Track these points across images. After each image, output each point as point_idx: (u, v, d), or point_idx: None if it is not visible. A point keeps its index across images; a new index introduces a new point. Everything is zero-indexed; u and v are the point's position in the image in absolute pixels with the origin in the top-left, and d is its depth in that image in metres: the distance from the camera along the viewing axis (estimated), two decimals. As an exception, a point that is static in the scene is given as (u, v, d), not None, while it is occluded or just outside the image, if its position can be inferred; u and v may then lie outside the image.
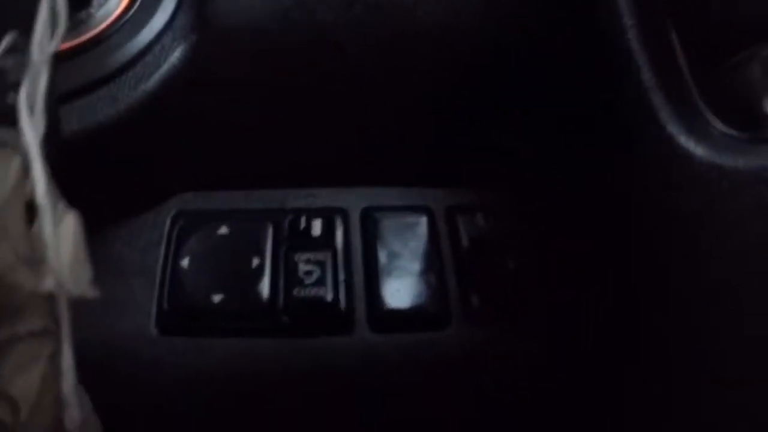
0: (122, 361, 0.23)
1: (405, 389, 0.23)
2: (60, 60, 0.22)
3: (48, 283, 0.16)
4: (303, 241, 0.23)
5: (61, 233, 0.18)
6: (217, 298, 0.23)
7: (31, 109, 0.16)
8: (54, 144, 0.17)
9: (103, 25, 0.22)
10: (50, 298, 0.16)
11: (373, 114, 0.24)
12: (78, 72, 0.22)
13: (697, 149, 0.19)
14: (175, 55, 0.22)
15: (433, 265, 0.24)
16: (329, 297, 0.23)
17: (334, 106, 0.24)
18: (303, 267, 0.23)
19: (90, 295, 0.19)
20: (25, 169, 0.16)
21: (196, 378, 0.22)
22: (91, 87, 0.22)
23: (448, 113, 0.24)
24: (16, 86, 0.16)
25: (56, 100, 0.18)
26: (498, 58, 0.23)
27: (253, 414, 0.23)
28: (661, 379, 0.22)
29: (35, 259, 0.16)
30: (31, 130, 0.16)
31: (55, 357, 0.16)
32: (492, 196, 0.25)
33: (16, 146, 0.16)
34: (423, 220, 0.24)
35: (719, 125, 0.19)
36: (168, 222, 0.24)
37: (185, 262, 0.23)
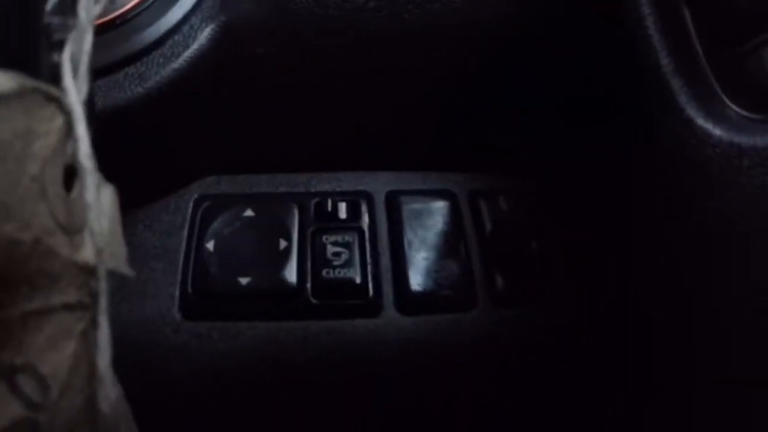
0: (145, 346, 0.22)
1: (433, 371, 0.23)
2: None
3: (87, 252, 0.16)
4: (330, 223, 0.23)
5: (100, 206, 0.18)
6: (244, 280, 0.22)
7: (75, 70, 0.16)
8: (91, 123, 0.17)
9: (132, 3, 0.22)
10: (86, 270, 0.16)
11: (399, 99, 0.24)
12: (105, 50, 0.21)
13: (716, 130, 0.20)
14: (204, 35, 0.22)
15: (457, 247, 0.24)
16: (358, 279, 0.23)
17: (361, 91, 0.24)
18: (331, 249, 0.23)
19: (126, 273, 0.19)
20: (68, 130, 0.15)
21: (221, 363, 0.22)
22: (119, 65, 0.21)
23: (472, 98, 0.24)
24: (60, 45, 0.16)
25: (94, 83, 0.17)
26: (521, 46, 0.24)
27: (280, 399, 0.22)
28: (688, 357, 0.22)
29: (73, 227, 0.15)
30: (75, 90, 0.16)
31: (88, 334, 0.15)
32: (514, 180, 0.25)
33: (60, 105, 0.15)
34: (447, 204, 0.24)
35: (736, 108, 0.20)
36: (191, 205, 0.24)
37: (210, 245, 0.23)
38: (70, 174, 0.16)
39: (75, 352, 0.15)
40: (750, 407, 0.19)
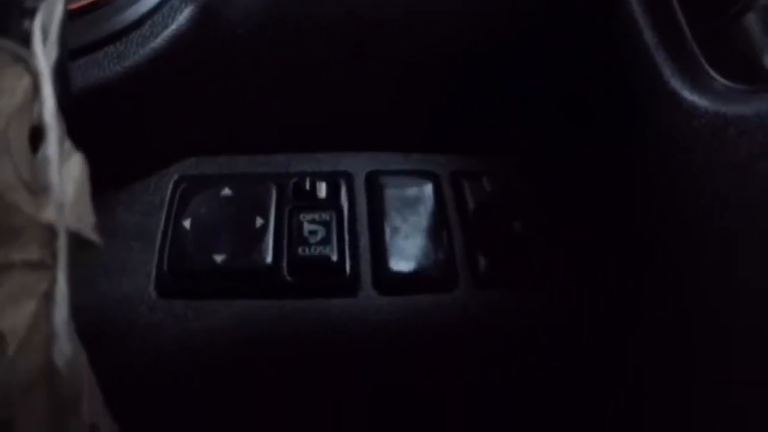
0: (121, 324, 0.22)
1: (411, 351, 0.22)
2: (71, 18, 0.22)
3: (51, 212, 0.16)
4: (308, 202, 0.23)
5: (67, 170, 0.18)
6: (219, 258, 0.22)
7: (45, 36, 0.16)
8: (64, 97, 0.17)
9: (113, -16, 0.22)
10: (49, 230, 0.16)
11: (379, 79, 0.24)
12: (86, 30, 0.22)
13: (702, 101, 0.19)
14: (183, 15, 0.22)
15: (439, 228, 0.23)
16: (335, 257, 0.22)
17: (341, 71, 0.24)
18: (308, 227, 0.23)
19: (93, 239, 0.19)
20: (35, 92, 0.15)
21: (196, 341, 0.22)
22: (99, 44, 0.22)
23: (454, 80, 0.24)
24: (32, 13, 0.16)
25: (67, 55, 0.18)
26: (505, 27, 0.24)
27: (255, 377, 0.22)
28: (672, 341, 0.21)
29: (37, 187, 0.15)
30: (43, 54, 0.16)
31: (49, 295, 0.15)
32: (497, 161, 0.25)
33: (28, 66, 0.16)
34: (428, 184, 0.24)
35: (721, 79, 0.20)
36: (170, 186, 0.24)
37: (187, 223, 0.23)
38: (37, 136, 0.16)
39: (35, 311, 0.15)
40: (745, 393, 0.18)
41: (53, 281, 0.16)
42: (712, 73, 0.20)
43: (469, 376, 0.22)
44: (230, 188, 0.23)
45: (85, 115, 0.22)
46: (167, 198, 0.23)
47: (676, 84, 0.20)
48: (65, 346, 0.16)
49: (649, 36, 0.21)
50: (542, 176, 0.25)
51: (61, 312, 0.16)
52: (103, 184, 0.24)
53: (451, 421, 0.22)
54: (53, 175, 0.16)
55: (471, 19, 0.24)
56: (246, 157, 0.25)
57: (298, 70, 0.24)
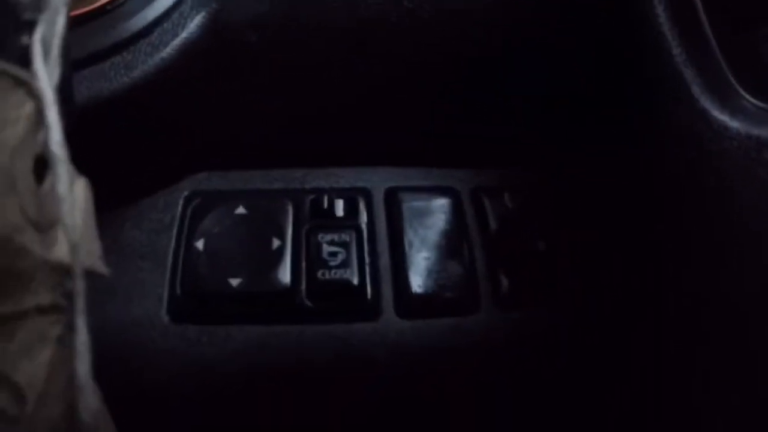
0: (130, 350, 0.21)
1: (433, 377, 0.21)
2: (75, 25, 0.21)
3: (61, 250, 0.15)
4: (326, 221, 0.22)
5: (72, 200, 0.17)
6: (234, 281, 0.21)
7: (47, 53, 0.15)
8: (66, 114, 0.16)
9: (118, -10, 0.21)
10: (59, 270, 0.14)
11: (398, 92, 0.23)
12: (92, 38, 0.20)
13: (732, 122, 0.19)
14: (194, 23, 0.21)
15: (460, 247, 0.23)
16: (355, 280, 0.21)
17: (359, 83, 0.23)
18: (327, 248, 0.22)
19: (102, 271, 0.18)
20: (38, 117, 0.14)
21: (210, 368, 0.21)
22: (105, 54, 0.20)
23: (477, 90, 0.23)
24: (31, 26, 0.15)
25: (70, 67, 0.16)
26: (526, 35, 0.23)
27: (273, 405, 0.21)
28: (699, 360, 0.21)
29: (45, 223, 0.14)
30: (46, 73, 0.14)
31: (64, 338, 0.14)
32: (519, 176, 0.24)
33: (30, 90, 0.14)
34: (449, 201, 0.23)
35: (752, 99, 0.19)
36: (181, 202, 0.23)
37: (200, 244, 0.22)
38: (41, 165, 0.15)
39: (51, 359, 0.14)
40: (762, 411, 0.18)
41: (67, 325, 0.15)
42: (743, 92, 0.19)
43: (492, 401, 0.22)
44: (244, 206, 0.22)
45: (92, 129, 0.20)
46: (178, 215, 0.22)
47: (706, 102, 0.20)
48: (92, 399, 0.15)
49: (677, 52, 0.21)
50: (565, 193, 0.24)
51: (83, 362, 0.15)
52: (110, 201, 0.23)
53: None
54: (66, 214, 0.15)
55: (494, 30, 0.23)
56: (260, 172, 0.24)
57: (312, 80, 0.22)
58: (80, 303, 0.15)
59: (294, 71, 0.22)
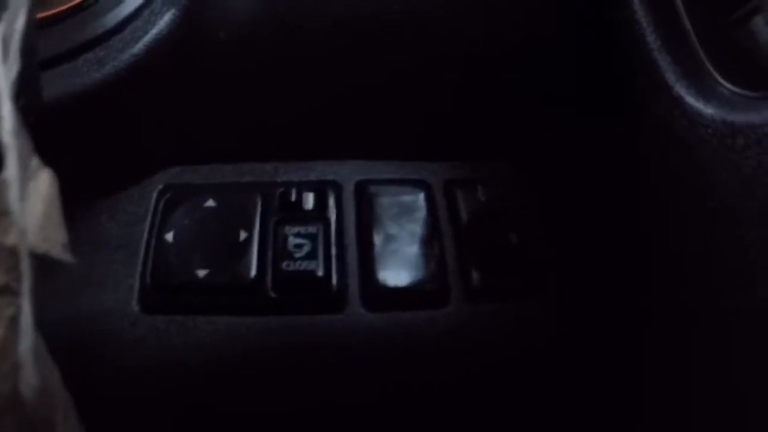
0: (102, 339, 0.21)
1: (400, 370, 0.21)
2: (47, 25, 0.22)
3: (14, 235, 0.15)
4: (294, 213, 0.22)
5: (34, 188, 0.17)
6: (201, 273, 0.21)
7: (6, 49, 0.16)
8: (31, 111, 0.16)
9: (91, -12, 0.22)
10: (14, 254, 0.15)
11: (369, 85, 0.23)
12: (64, 37, 0.21)
13: (707, 108, 0.18)
14: (165, 20, 0.21)
15: (431, 240, 0.22)
16: (320, 272, 0.21)
17: (328, 76, 0.23)
18: (293, 240, 0.22)
19: (64, 259, 0.18)
20: (-5, 112, 0.15)
21: (178, 358, 0.21)
22: (77, 51, 0.21)
23: (447, 85, 0.23)
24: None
25: (35, 64, 0.17)
26: (501, 31, 0.23)
27: (238, 395, 0.21)
28: (674, 350, 0.20)
29: (1, 210, 0.15)
30: (3, 69, 0.15)
31: (16, 319, 0.15)
32: (492, 169, 0.24)
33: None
34: (420, 194, 0.23)
35: (727, 84, 0.18)
36: (154, 195, 0.23)
37: (170, 236, 0.22)
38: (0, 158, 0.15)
39: (3, 337, 0.14)
40: (747, 397, 0.17)
41: (19, 306, 0.15)
42: (718, 78, 0.19)
43: (462, 394, 0.21)
44: (214, 199, 0.22)
45: (65, 124, 0.21)
46: (151, 208, 0.23)
47: (681, 90, 0.19)
48: (32, 376, 0.15)
49: (652, 38, 0.20)
50: (538, 184, 0.23)
51: (25, 340, 0.15)
52: (86, 194, 0.24)
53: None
54: (13, 199, 0.16)
55: (468, 22, 0.23)
56: (232, 166, 0.24)
57: (282, 75, 0.23)
58: (26, 285, 0.15)
59: (263, 67, 0.23)
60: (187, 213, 0.22)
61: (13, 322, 0.15)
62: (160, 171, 0.24)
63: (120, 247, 0.22)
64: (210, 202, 0.22)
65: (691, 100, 0.19)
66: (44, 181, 0.18)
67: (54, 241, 0.18)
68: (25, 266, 0.15)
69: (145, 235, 0.22)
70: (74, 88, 0.21)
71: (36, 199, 0.17)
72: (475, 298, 0.22)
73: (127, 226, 0.23)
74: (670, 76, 0.19)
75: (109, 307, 0.22)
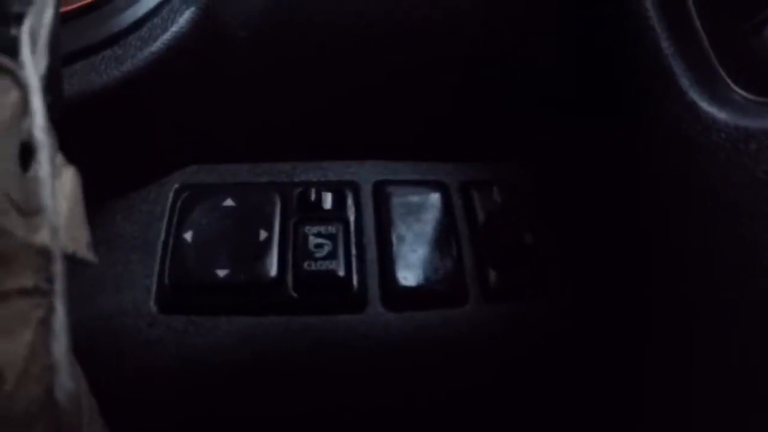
0: (119, 340, 0.21)
1: (420, 369, 0.21)
2: (67, 20, 0.21)
3: (45, 235, 0.15)
4: (313, 213, 0.22)
5: (59, 187, 0.17)
6: (221, 273, 0.21)
7: (34, 44, 0.15)
8: (56, 108, 0.16)
9: (110, -15, 0.21)
10: (43, 254, 0.15)
11: (387, 87, 0.23)
12: (83, 33, 0.21)
13: (721, 114, 0.19)
14: (184, 18, 0.21)
15: (448, 240, 0.23)
16: (341, 272, 0.21)
17: (347, 77, 0.23)
18: (313, 240, 0.22)
19: (89, 259, 0.18)
20: (24, 106, 0.15)
21: (196, 358, 0.21)
22: (96, 48, 0.21)
23: (463, 88, 0.23)
24: (19, 19, 0.15)
25: (59, 59, 0.17)
26: (512, 33, 0.23)
27: (258, 396, 0.21)
28: (689, 352, 0.21)
29: (29, 208, 0.15)
30: (32, 63, 0.15)
31: (46, 323, 0.14)
32: (508, 170, 0.24)
33: (16, 78, 0.15)
34: (437, 195, 0.23)
35: (741, 91, 0.19)
36: (171, 195, 0.23)
37: (188, 236, 0.22)
38: (27, 154, 0.15)
39: (32, 340, 0.14)
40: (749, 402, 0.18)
41: (49, 308, 0.15)
42: (731, 84, 0.19)
43: (479, 395, 0.21)
44: (233, 199, 0.22)
45: (83, 122, 0.21)
46: (168, 208, 0.23)
47: (695, 95, 0.20)
48: (67, 380, 0.15)
49: (666, 45, 0.21)
50: (553, 186, 0.24)
51: (60, 343, 0.15)
52: (102, 193, 0.24)
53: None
54: (46, 197, 0.16)
55: (479, 25, 0.23)
56: (249, 165, 0.24)
57: (300, 75, 0.23)
58: (59, 285, 0.15)
59: (282, 67, 0.23)
60: (205, 212, 0.22)
61: (43, 324, 0.14)
62: (176, 170, 0.23)
63: (136, 247, 0.22)
64: (229, 202, 0.22)
65: (705, 106, 0.19)
66: (69, 179, 0.18)
67: (80, 240, 0.18)
68: (59, 266, 0.15)
69: (162, 234, 0.22)
70: (93, 86, 0.20)
71: (61, 197, 0.17)
72: (492, 298, 0.22)
73: (143, 225, 0.23)
74: (684, 82, 0.20)
75: (126, 308, 0.21)
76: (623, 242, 0.23)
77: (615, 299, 0.22)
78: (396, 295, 0.22)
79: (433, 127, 0.24)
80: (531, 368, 0.22)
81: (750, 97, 0.19)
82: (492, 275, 0.22)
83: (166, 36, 0.21)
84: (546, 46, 0.23)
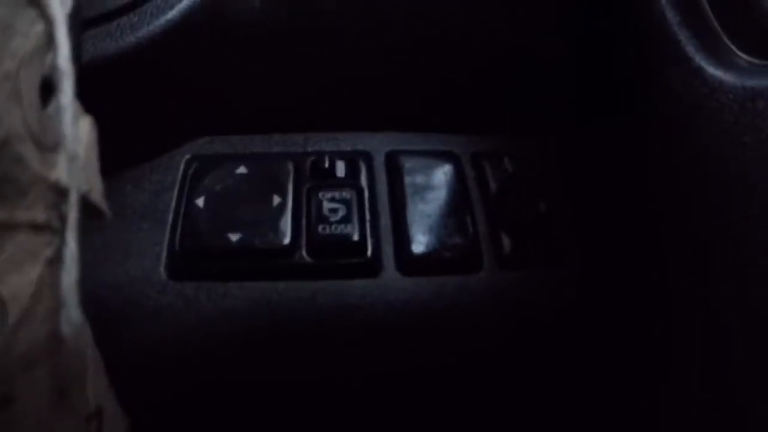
0: (128, 307, 0.21)
1: (435, 334, 0.21)
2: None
3: (60, 172, 0.15)
4: (326, 180, 0.22)
5: (77, 130, 0.17)
6: (234, 237, 0.21)
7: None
8: (76, 53, 0.16)
9: (127, -47, 0.22)
10: (57, 191, 0.14)
11: (400, 57, 0.24)
12: (99, 1, 0.21)
13: (727, 76, 0.19)
14: (200, -14, 0.22)
15: (461, 208, 0.23)
16: (356, 236, 0.21)
17: (359, 47, 0.23)
18: (327, 205, 0.22)
19: (101, 207, 0.18)
20: (48, 39, 0.15)
21: (208, 325, 0.20)
22: (112, 15, 0.21)
23: (473, 60, 0.24)
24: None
25: (80, 13, 0.17)
26: (523, 3, 0.24)
27: (270, 363, 0.20)
28: (707, 320, 0.21)
29: (46, 144, 0.14)
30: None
31: (55, 263, 0.14)
32: (517, 141, 0.24)
33: (42, 12, 0.15)
34: (449, 165, 0.23)
35: (744, 56, 0.20)
36: (182, 164, 0.23)
37: (200, 201, 0.22)
38: (47, 90, 0.15)
39: (39, 278, 0.13)
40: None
41: (60, 246, 0.14)
42: (736, 50, 0.20)
43: (493, 359, 0.21)
44: (245, 166, 0.22)
45: (96, 88, 0.21)
46: (179, 177, 0.22)
47: (701, 61, 0.20)
48: (74, 313, 0.14)
49: (671, 15, 0.21)
50: (563, 156, 0.24)
51: (70, 276, 0.14)
52: (113, 163, 0.23)
53: (475, 401, 0.21)
54: (67, 125, 0.15)
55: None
56: (261, 137, 0.24)
57: (315, 44, 0.23)
58: (73, 218, 0.15)
59: (297, 37, 0.23)
60: (218, 179, 0.22)
61: (51, 263, 0.14)
62: (188, 142, 0.23)
63: (147, 216, 0.22)
64: (242, 169, 0.22)
65: (711, 70, 0.20)
66: (86, 126, 0.17)
67: (95, 185, 0.17)
68: (74, 198, 0.15)
69: (173, 202, 0.22)
70: (107, 51, 0.21)
71: (79, 142, 0.17)
72: (507, 265, 0.22)
73: (153, 195, 0.22)
74: (690, 49, 0.20)
75: (136, 276, 0.21)
76: (635, 211, 0.23)
77: (629, 266, 0.22)
78: (410, 260, 0.21)
79: (446, 99, 0.24)
80: (544, 335, 0.22)
81: (754, 61, 0.19)
82: (506, 242, 0.22)
83: (183, 4, 0.21)
84: (555, 21, 0.24)
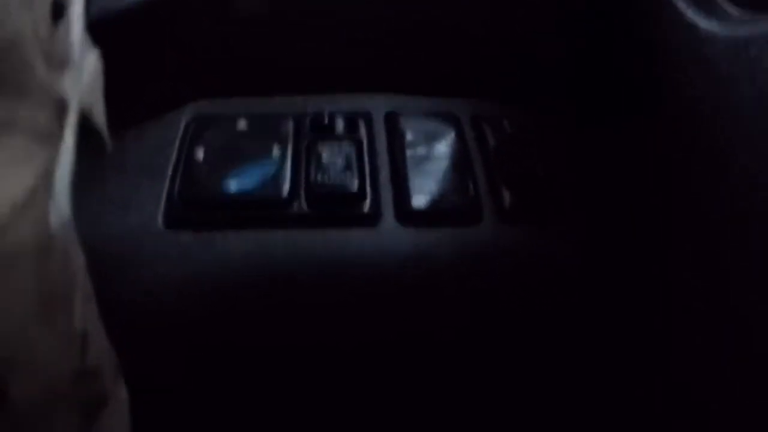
0: (123, 257, 0.20)
1: (433, 284, 0.20)
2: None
3: (65, 85, 0.15)
4: (326, 135, 0.22)
5: (85, 53, 0.17)
6: (232, 187, 0.21)
7: None
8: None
9: None
10: (60, 105, 0.15)
11: (400, 19, 0.24)
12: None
13: (719, 28, 0.20)
14: (204, -51, 0.22)
15: (461, 164, 0.23)
16: (355, 187, 0.21)
17: (360, 9, 0.24)
18: (327, 156, 0.22)
19: (103, 132, 0.18)
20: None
21: (204, 274, 0.20)
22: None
23: (473, 25, 0.24)
24: None
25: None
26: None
27: (267, 312, 0.20)
28: (696, 275, 0.20)
29: (53, 58, 0.15)
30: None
31: (50, 174, 0.14)
32: (516, 108, 0.24)
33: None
34: (449, 124, 0.23)
35: (734, 11, 0.20)
36: (183, 123, 0.23)
37: (200, 154, 0.22)
38: (58, 13, 0.15)
39: (34, 184, 0.13)
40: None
41: (56, 156, 0.14)
42: (725, 5, 0.20)
43: (491, 311, 0.20)
44: (246, 123, 0.22)
45: (99, 45, 0.21)
46: (180, 133, 0.23)
47: (693, 15, 0.21)
48: (64, 207, 0.14)
49: None
50: (562, 120, 0.24)
51: (63, 169, 0.14)
52: (112, 122, 0.24)
53: (472, 356, 0.20)
54: (74, 39, 0.16)
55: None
56: (262, 99, 0.24)
57: (315, 8, 0.24)
58: (72, 122, 0.15)
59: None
60: (218, 134, 0.22)
61: (48, 177, 0.14)
62: (190, 102, 0.24)
63: (147, 170, 0.22)
64: (242, 125, 0.22)
65: (704, 23, 0.20)
66: (92, 59, 0.18)
67: (97, 109, 0.17)
68: (74, 105, 0.15)
69: (173, 158, 0.22)
70: (113, 8, 0.21)
71: (84, 71, 0.17)
72: (507, 219, 0.22)
73: (154, 151, 0.22)
74: (682, 5, 0.21)
75: (133, 226, 0.21)
76: (635, 166, 0.23)
77: (629, 221, 0.22)
78: (410, 211, 0.21)
79: (447, 64, 0.25)
80: (542, 288, 0.21)
81: (742, 12, 0.20)
82: (506, 196, 0.22)
83: (187, -35, 0.22)
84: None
